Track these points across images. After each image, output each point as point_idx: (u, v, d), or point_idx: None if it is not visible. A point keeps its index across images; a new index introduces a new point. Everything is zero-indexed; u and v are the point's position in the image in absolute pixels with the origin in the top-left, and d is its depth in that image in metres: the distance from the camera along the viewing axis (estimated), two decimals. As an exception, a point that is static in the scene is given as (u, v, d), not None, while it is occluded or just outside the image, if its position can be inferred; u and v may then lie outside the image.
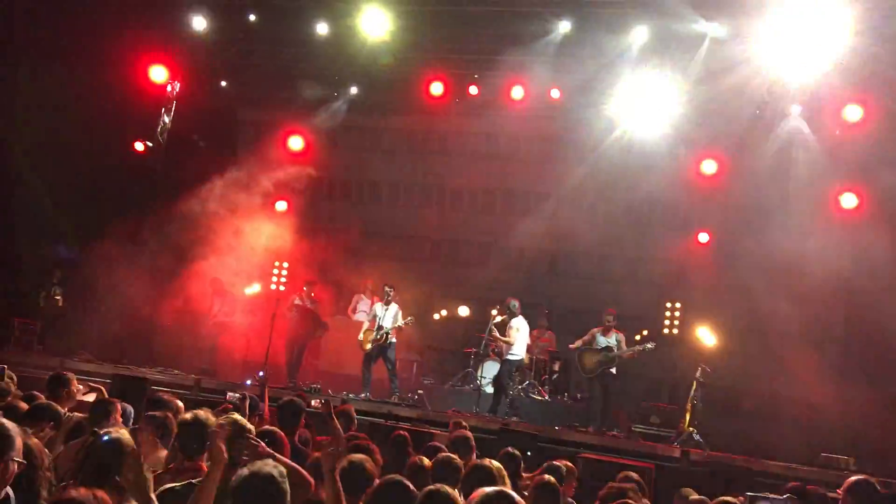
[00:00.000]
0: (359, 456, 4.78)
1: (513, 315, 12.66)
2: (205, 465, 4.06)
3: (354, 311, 15.22)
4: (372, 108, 17.29)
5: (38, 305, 14.45)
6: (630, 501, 4.12)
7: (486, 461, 4.50)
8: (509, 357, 12.65)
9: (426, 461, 5.02)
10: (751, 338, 14.43)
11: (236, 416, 4.22)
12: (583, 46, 14.01)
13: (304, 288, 13.94)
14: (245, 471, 3.20)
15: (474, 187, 18.09)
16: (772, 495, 3.38)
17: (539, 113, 15.97)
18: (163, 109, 16.30)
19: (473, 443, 6.52)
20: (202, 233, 14.51)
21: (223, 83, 17.11)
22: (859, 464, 10.75)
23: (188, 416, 4.15)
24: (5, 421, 3.02)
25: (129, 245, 13.98)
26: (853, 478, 5.08)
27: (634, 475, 5.36)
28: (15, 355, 12.38)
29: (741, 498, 3.90)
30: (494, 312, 13.53)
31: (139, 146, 15.89)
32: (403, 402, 12.50)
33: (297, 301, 13.72)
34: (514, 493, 2.74)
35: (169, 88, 16.18)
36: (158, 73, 15.63)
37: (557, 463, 5.65)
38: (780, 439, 12.64)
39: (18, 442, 3.04)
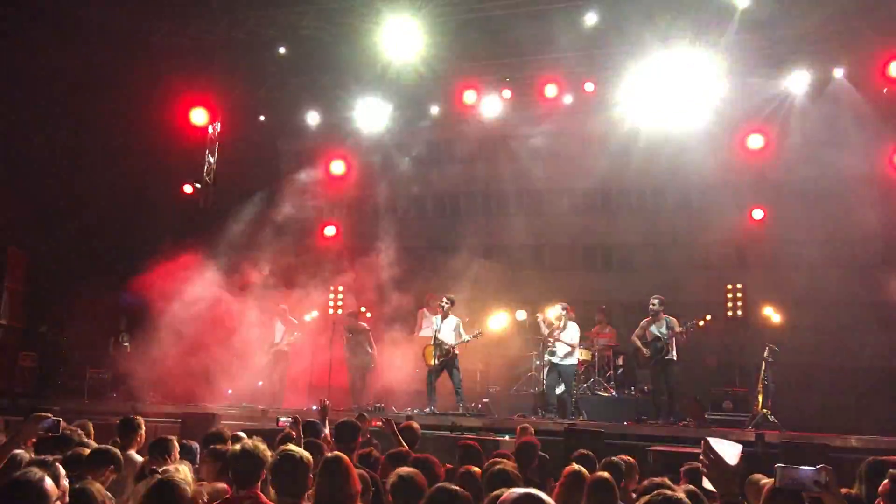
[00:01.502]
0: (407, 469, 4.79)
1: (569, 318, 12.53)
2: (261, 494, 4.12)
3: (420, 328, 15.25)
4: (408, 123, 17.38)
5: (109, 354, 14.90)
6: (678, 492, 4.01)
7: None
8: (566, 362, 12.47)
9: (476, 469, 5.01)
10: (817, 311, 14.04)
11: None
12: (611, 35, 13.87)
13: (348, 319, 14.09)
14: None
15: (519, 190, 18.02)
16: (804, 467, 3.28)
17: (576, 108, 15.85)
18: (206, 151, 16.70)
19: (537, 449, 6.47)
20: (256, 265, 14.81)
21: (262, 118, 17.44)
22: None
23: (237, 446, 4.21)
24: (41, 474, 3.11)
25: (186, 285, 14.30)
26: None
27: (697, 464, 5.20)
28: (89, 404, 12.82)
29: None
30: (540, 316, 13.35)
31: (188, 188, 16.29)
32: (468, 412, 12.47)
33: (347, 333, 13.88)
34: (542, 495, 2.72)
35: (210, 129, 16.57)
36: (199, 116, 16.02)
37: (616, 459, 5.55)
38: (858, 412, 12.23)
39: (53, 490, 3.11)
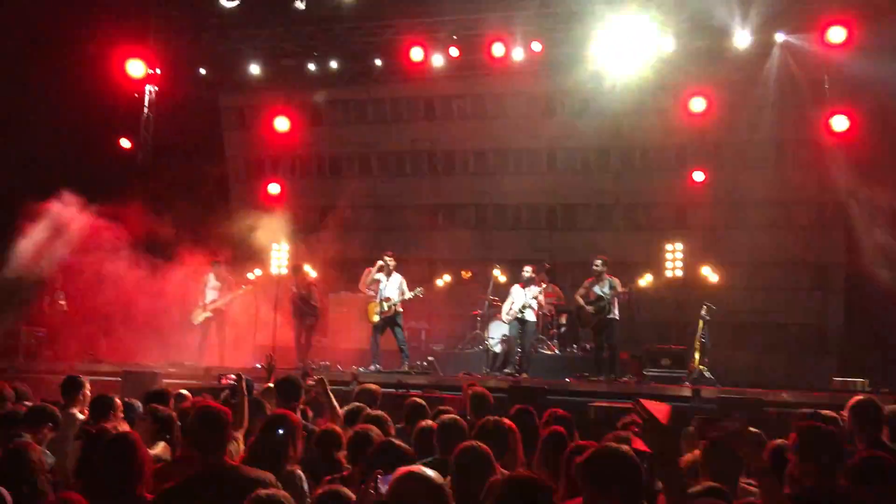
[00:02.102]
0: (365, 426, 4.81)
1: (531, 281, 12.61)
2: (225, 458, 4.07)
3: (365, 284, 15.19)
4: (354, 81, 17.13)
5: (44, 312, 14.49)
6: (632, 435, 4.13)
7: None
8: (532, 319, 12.56)
9: (432, 423, 5.05)
10: (753, 271, 14.47)
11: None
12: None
13: (292, 274, 13.93)
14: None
15: (465, 150, 17.98)
16: (725, 419, 3.39)
17: (523, 69, 15.80)
18: (145, 103, 16.23)
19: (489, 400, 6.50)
20: (196, 221, 14.52)
21: (202, 71, 16.95)
22: (873, 385, 10.75)
23: (203, 409, 4.10)
24: None
25: (123, 242, 13.96)
26: (856, 398, 5.09)
27: (635, 417, 5.35)
28: (24, 363, 12.49)
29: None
30: (497, 273, 13.60)
31: (125, 142, 15.84)
32: (414, 370, 12.54)
33: (292, 289, 13.74)
34: (425, 471, 2.89)
35: (147, 84, 16.10)
36: (136, 68, 15.50)
37: (560, 412, 5.66)
38: (791, 369, 12.70)
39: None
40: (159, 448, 4.83)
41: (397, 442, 4.07)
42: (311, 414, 6.70)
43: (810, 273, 15.20)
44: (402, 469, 3.03)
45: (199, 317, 13.58)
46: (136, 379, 10.23)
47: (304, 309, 13.70)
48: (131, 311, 13.78)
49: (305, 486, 4.22)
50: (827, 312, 14.78)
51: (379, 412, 5.58)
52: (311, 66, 16.57)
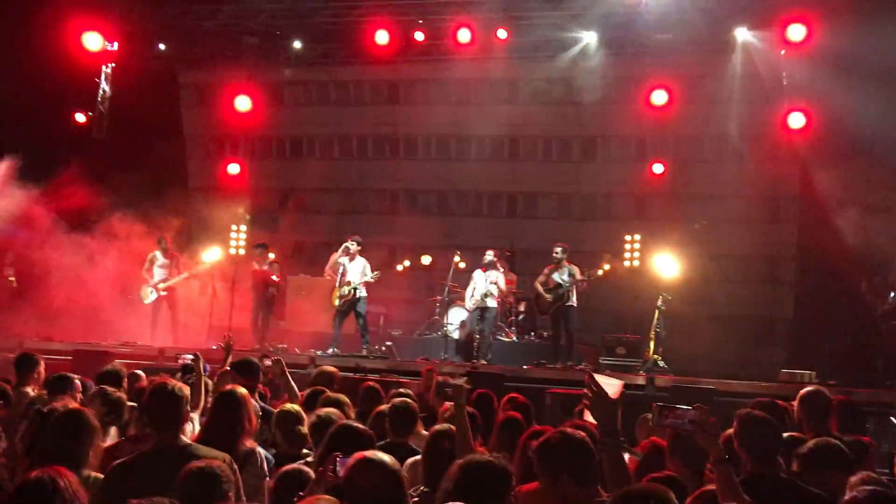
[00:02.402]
0: (327, 410, 4.81)
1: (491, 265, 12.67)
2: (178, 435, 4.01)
3: (332, 268, 15.10)
4: (317, 62, 16.94)
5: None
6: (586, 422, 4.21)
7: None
8: (494, 305, 12.66)
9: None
10: (709, 263, 14.72)
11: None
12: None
13: (256, 251, 13.78)
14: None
15: (428, 135, 17.92)
16: (683, 407, 3.47)
17: (487, 55, 15.79)
18: (102, 78, 15.85)
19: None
20: (150, 199, 14.29)
21: (161, 46, 16.59)
22: (820, 377, 11.04)
23: (160, 385, 4.04)
24: None
25: (75, 219, 13.67)
26: (805, 389, 5.25)
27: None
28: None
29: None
30: (457, 259, 13.64)
31: (80, 117, 15.49)
32: (372, 354, 12.54)
33: (254, 266, 13.60)
34: (381, 456, 3.05)
35: (105, 56, 15.72)
36: (93, 41, 15.12)
37: (519, 398, 5.72)
38: (742, 359, 12.95)
39: None
40: (111, 434, 4.76)
41: (356, 425, 4.08)
42: (269, 395, 6.67)
43: (762, 266, 15.53)
44: (359, 454, 3.06)
45: (150, 296, 13.34)
46: (87, 358, 10.07)
47: (265, 285, 13.58)
48: (79, 289, 13.50)
49: (265, 466, 4.20)
50: (778, 305, 15.12)
51: (339, 395, 5.57)
52: (274, 46, 16.36)
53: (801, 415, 5.07)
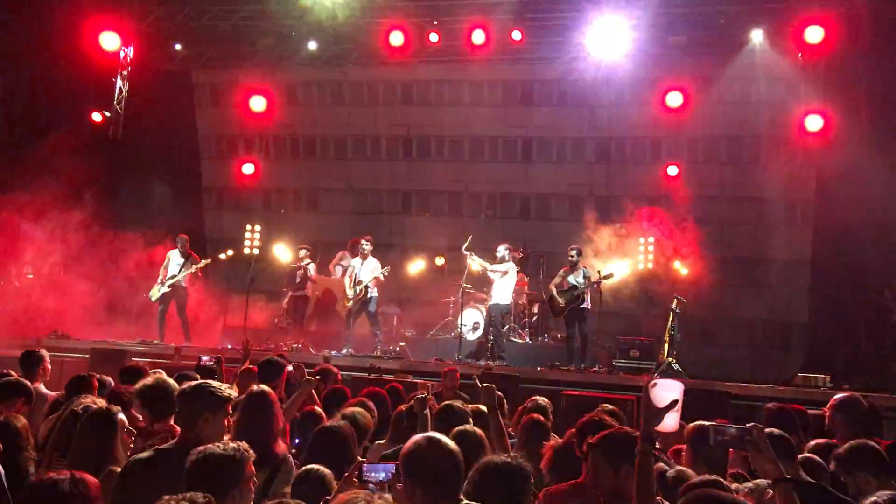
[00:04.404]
0: (352, 409, 4.84)
1: (503, 260, 12.67)
2: (175, 427, 4.07)
3: (338, 266, 15.22)
4: (332, 63, 16.97)
5: (13, 286, 14.23)
6: (608, 419, 4.20)
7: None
8: (500, 302, 12.65)
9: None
10: (724, 266, 14.65)
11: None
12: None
13: (302, 254, 14.30)
14: None
15: (441, 136, 17.93)
16: (732, 426, 3.42)
17: (502, 57, 15.79)
18: (118, 77, 15.94)
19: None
20: (166, 200, 14.36)
21: (177, 46, 16.67)
22: (834, 381, 10.99)
23: (149, 380, 4.16)
24: None
25: (93, 217, 13.75)
26: (840, 395, 5.15)
27: (610, 406, 5.43)
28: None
29: (719, 421, 3.96)
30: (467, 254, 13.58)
31: (97, 116, 15.58)
32: (385, 354, 12.56)
33: (292, 265, 13.91)
34: (440, 437, 3.12)
35: (122, 55, 15.81)
36: (110, 41, 15.20)
37: (540, 400, 5.72)
38: (757, 363, 12.88)
39: None
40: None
41: (335, 424, 4.18)
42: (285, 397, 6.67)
43: (776, 270, 15.45)
44: (423, 434, 3.22)
45: (157, 292, 13.32)
46: (104, 356, 10.12)
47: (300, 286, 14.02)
48: (94, 287, 13.59)
49: (293, 472, 4.21)
50: (793, 309, 15.02)
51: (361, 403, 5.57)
52: (289, 46, 16.39)
53: (836, 421, 4.99)
